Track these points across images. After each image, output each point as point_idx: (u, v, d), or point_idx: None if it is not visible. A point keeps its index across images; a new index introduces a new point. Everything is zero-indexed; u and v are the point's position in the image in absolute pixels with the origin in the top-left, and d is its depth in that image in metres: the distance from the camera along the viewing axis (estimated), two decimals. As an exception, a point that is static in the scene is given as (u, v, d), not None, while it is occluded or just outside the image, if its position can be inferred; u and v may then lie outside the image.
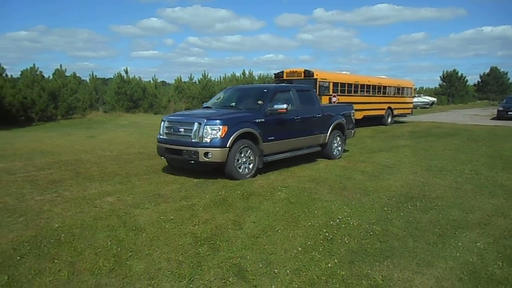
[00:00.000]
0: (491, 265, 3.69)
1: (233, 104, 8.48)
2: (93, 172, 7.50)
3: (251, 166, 7.23)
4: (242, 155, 7.08)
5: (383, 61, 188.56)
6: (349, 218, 4.94)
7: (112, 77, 32.83)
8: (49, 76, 22.52)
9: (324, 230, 4.50)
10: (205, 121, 6.87)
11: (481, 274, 3.54)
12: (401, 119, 23.11)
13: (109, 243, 4.08)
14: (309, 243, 4.17)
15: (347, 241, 4.22)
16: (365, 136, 14.75)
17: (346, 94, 16.87)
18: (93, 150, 10.30)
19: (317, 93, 15.18)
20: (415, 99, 31.79)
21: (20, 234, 4.28)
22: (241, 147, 7.00)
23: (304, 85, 12.76)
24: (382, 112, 19.67)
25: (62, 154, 9.48)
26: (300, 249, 4.01)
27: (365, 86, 18.47)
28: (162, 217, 4.89)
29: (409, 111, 22.97)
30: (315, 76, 15.47)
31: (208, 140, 6.77)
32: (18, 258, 3.70)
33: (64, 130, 16.48)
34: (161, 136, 7.59)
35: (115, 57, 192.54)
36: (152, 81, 30.69)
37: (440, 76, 55.44)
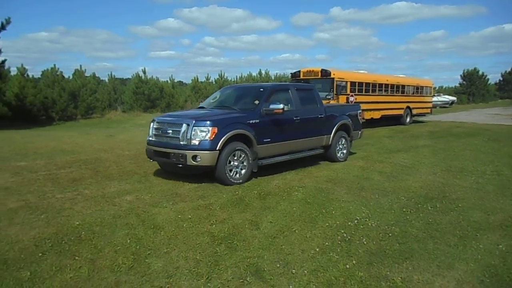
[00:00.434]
0: (514, 269, 3.59)
1: (229, 104, 8.01)
2: (112, 171, 7.62)
3: (243, 171, 6.76)
4: (235, 158, 6.65)
5: (401, 60, 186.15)
6: (367, 219, 4.89)
7: (130, 77, 33.47)
8: (69, 76, 23.12)
9: (342, 231, 4.47)
10: (194, 122, 6.46)
11: (503, 277, 3.46)
12: (420, 118, 22.72)
13: (128, 241, 4.13)
14: (326, 243, 4.14)
15: (365, 242, 4.17)
16: (383, 136, 14.58)
17: (363, 93, 16.67)
18: (112, 149, 10.45)
19: (334, 92, 15.12)
20: (435, 98, 31.19)
21: (42, 231, 4.37)
22: (233, 150, 6.57)
23: (306, 84, 12.71)
24: (401, 112, 19.39)
25: (82, 153, 9.65)
26: (317, 249, 3.98)
27: (383, 85, 18.23)
28: (180, 216, 4.93)
29: (429, 110, 22.58)
30: (332, 76, 15.35)
31: (197, 143, 6.35)
32: (40, 254, 3.78)
33: (84, 129, 16.80)
34: (150, 138, 7.16)
35: (133, 58, 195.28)
36: (169, 81, 31.12)
37: (461, 75, 54.35)
